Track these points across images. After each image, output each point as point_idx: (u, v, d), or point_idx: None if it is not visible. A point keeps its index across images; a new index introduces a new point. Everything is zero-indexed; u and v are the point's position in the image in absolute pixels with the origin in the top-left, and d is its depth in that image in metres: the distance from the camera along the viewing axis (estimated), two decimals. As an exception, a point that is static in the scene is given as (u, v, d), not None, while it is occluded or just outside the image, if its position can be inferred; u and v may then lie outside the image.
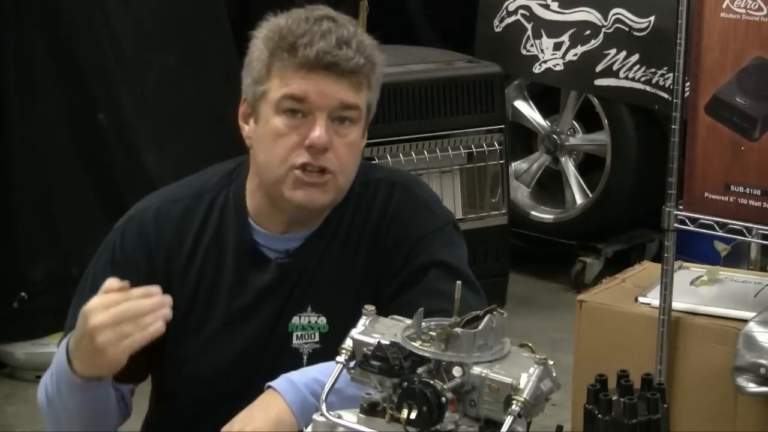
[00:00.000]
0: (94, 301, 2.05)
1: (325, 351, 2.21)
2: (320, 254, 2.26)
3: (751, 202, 3.13)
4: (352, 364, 1.73)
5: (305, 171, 2.16)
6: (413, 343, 1.67)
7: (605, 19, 5.16)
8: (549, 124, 5.61)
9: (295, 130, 2.16)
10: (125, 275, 2.20)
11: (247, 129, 2.25)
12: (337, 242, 2.27)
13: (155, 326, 2.03)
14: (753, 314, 3.12)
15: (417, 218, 2.28)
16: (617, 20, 5.14)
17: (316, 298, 2.25)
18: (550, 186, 5.72)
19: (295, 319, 2.26)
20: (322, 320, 2.25)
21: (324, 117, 2.15)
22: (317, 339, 2.25)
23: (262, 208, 2.26)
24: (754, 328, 3.07)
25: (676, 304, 3.25)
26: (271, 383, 2.12)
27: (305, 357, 2.25)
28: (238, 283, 2.26)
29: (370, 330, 1.74)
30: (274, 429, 2.05)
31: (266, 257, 2.26)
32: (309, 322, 2.26)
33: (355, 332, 1.73)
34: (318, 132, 2.14)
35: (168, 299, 2.05)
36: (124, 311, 2.02)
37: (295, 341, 2.26)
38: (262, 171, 2.22)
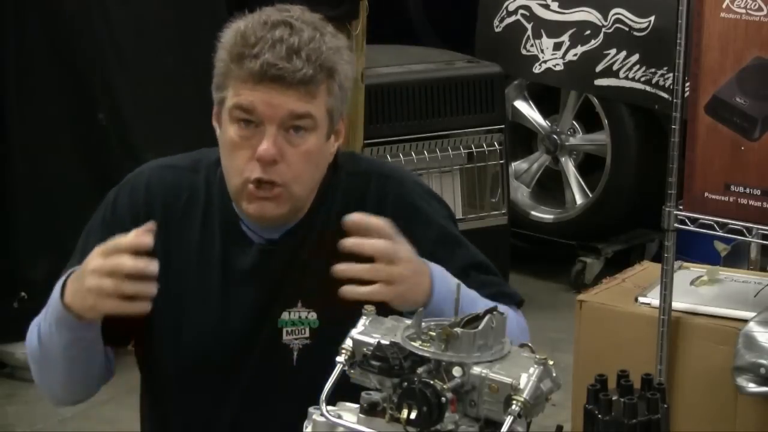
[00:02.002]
0: (106, 245, 2.08)
1: (316, 346, 2.22)
2: (307, 245, 2.26)
3: (751, 202, 3.13)
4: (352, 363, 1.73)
5: (258, 185, 2.16)
6: (413, 343, 1.67)
7: (605, 19, 5.16)
8: (549, 124, 5.61)
9: (248, 141, 2.15)
10: (112, 235, 2.20)
11: (218, 132, 2.26)
12: (324, 234, 2.24)
13: (140, 305, 2.07)
14: (753, 314, 3.12)
15: (420, 218, 2.27)
16: (617, 20, 5.14)
17: (307, 292, 2.24)
18: (550, 186, 5.72)
19: (285, 315, 2.25)
20: (313, 315, 2.24)
21: (273, 128, 2.14)
22: (307, 334, 2.25)
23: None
24: (754, 328, 3.07)
25: (676, 304, 3.25)
26: (430, 265, 2.13)
27: (295, 353, 2.24)
28: (223, 262, 2.26)
29: (370, 330, 1.74)
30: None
31: (249, 239, 2.26)
32: (299, 317, 2.25)
33: (355, 332, 1.74)
34: (264, 145, 2.13)
35: (154, 266, 2.06)
36: (110, 265, 2.05)
37: (285, 337, 2.25)
38: (226, 178, 2.23)
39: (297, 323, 2.25)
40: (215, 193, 2.28)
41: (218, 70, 2.21)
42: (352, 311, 1.80)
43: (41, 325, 2.22)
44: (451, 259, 2.23)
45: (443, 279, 2.13)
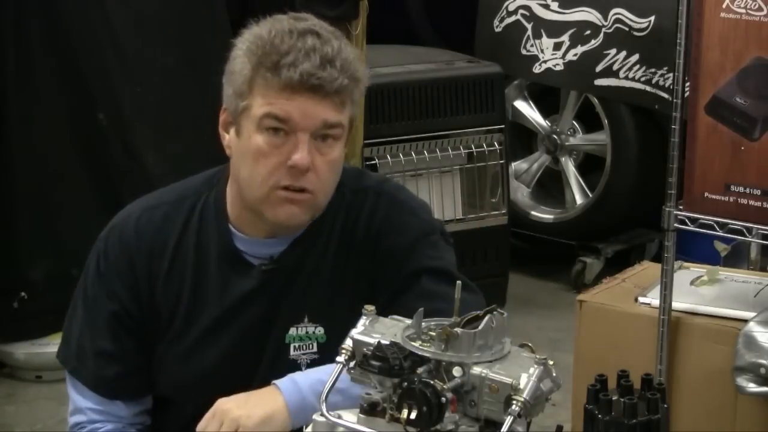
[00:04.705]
0: None
1: (324, 361, 2.21)
2: (309, 260, 2.26)
3: (751, 202, 3.13)
4: (352, 364, 1.73)
5: (287, 190, 2.16)
6: (413, 343, 1.67)
7: (605, 19, 5.16)
8: (549, 124, 5.61)
9: (277, 149, 2.14)
10: (110, 284, 2.25)
11: (227, 138, 2.23)
12: (328, 249, 2.26)
13: None
14: (753, 314, 3.12)
15: (405, 227, 2.27)
16: (617, 20, 5.14)
17: (313, 307, 2.25)
18: (550, 186, 5.72)
19: (292, 330, 2.25)
20: (320, 330, 2.25)
21: (307, 137, 2.13)
22: (315, 349, 2.25)
23: (243, 214, 2.25)
24: (754, 328, 3.07)
25: (676, 304, 3.25)
26: (276, 381, 2.12)
27: (303, 368, 2.24)
28: (222, 289, 2.26)
29: (370, 330, 1.74)
30: (263, 426, 2.06)
31: (248, 263, 2.25)
32: (306, 332, 2.25)
33: (355, 332, 1.73)
34: (300, 154, 2.13)
35: None
36: None
37: (292, 352, 2.25)
38: (244, 187, 2.21)
39: (304, 338, 2.25)
40: (209, 217, 2.27)
41: (239, 77, 2.16)
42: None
43: None
44: (415, 259, 2.23)
45: (295, 383, 2.14)
